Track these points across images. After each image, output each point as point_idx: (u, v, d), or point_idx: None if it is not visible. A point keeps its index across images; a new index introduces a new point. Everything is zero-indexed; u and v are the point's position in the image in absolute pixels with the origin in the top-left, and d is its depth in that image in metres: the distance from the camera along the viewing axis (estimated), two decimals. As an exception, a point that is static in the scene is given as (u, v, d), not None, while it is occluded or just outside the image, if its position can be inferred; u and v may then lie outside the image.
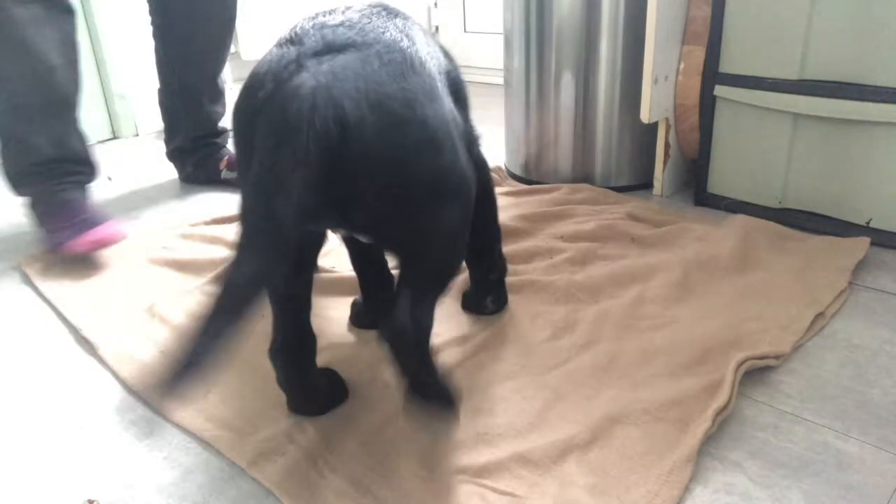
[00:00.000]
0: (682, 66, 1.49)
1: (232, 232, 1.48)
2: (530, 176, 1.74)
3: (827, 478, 0.77)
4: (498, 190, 1.66)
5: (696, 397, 0.87)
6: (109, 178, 1.66)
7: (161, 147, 1.85)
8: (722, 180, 1.49)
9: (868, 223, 1.31)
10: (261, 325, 1.08)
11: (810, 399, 0.89)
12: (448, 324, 1.07)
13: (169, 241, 1.42)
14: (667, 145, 1.56)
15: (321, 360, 0.89)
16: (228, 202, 1.67)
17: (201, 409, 0.90)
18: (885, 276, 1.19)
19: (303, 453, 0.80)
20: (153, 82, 1.72)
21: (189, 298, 1.17)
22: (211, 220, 1.53)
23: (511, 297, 1.13)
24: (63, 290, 1.24)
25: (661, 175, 1.59)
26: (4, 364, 1.05)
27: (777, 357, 0.96)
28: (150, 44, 1.67)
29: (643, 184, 1.65)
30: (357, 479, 0.77)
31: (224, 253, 1.38)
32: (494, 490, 0.75)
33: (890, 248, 1.28)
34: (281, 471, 0.78)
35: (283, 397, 0.88)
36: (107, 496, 0.78)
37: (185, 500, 0.77)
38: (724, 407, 0.85)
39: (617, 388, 0.90)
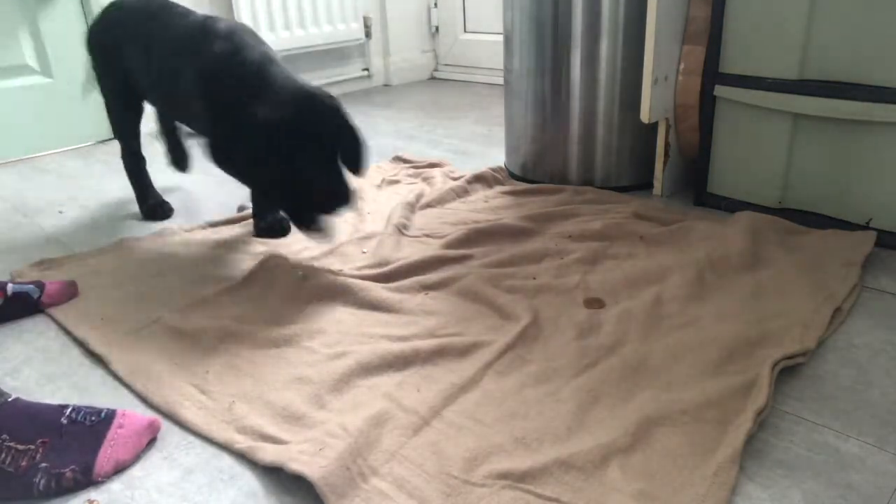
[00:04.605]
0: (682, 66, 1.49)
1: (230, 235, 1.48)
2: (530, 176, 1.74)
3: (827, 478, 0.77)
4: (499, 189, 1.67)
5: (731, 397, 0.87)
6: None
7: (158, 147, 1.84)
8: (722, 180, 1.50)
9: (868, 223, 1.31)
10: (276, 331, 1.08)
11: (810, 399, 0.89)
12: (469, 325, 1.07)
13: (169, 249, 1.41)
14: (667, 145, 1.56)
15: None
16: (224, 204, 1.66)
17: (229, 420, 0.88)
18: (885, 276, 1.19)
19: (344, 454, 0.78)
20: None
21: (197, 308, 1.15)
22: (206, 224, 1.52)
23: (530, 300, 1.13)
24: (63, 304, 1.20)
25: (661, 175, 1.59)
26: (11, 377, 1.05)
27: (804, 354, 0.96)
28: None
29: (643, 184, 1.65)
30: (400, 481, 0.77)
31: (227, 259, 1.37)
32: (540, 496, 0.74)
33: (890, 248, 1.28)
34: (323, 473, 0.76)
35: (315, 401, 0.89)
36: (107, 496, 0.78)
37: (185, 500, 0.77)
38: (764, 407, 0.85)
39: (651, 390, 0.90)
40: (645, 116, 1.48)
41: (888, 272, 1.20)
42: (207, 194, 1.75)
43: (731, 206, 1.47)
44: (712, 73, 1.43)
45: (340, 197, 1.17)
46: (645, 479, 0.76)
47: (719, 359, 0.95)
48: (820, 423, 0.85)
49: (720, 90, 1.43)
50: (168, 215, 1.60)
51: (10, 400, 0.83)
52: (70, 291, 1.21)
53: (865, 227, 1.31)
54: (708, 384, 0.90)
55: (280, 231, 1.43)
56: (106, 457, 0.81)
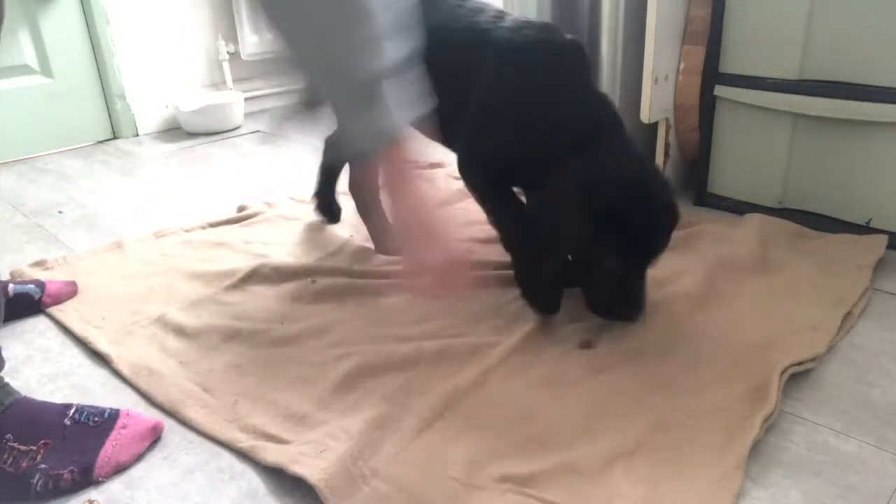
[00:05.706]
0: (682, 66, 1.49)
1: (230, 235, 1.47)
2: (530, 176, 1.74)
3: (827, 478, 0.77)
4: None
5: (738, 403, 0.86)
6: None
7: (158, 147, 1.83)
8: (722, 180, 1.49)
9: (868, 223, 1.31)
10: (280, 331, 1.07)
11: (810, 399, 0.89)
12: (479, 328, 1.06)
13: (169, 249, 1.40)
14: (667, 145, 1.56)
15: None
16: (225, 203, 1.66)
17: (232, 419, 0.88)
18: (886, 277, 1.19)
19: (345, 456, 0.78)
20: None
21: (200, 307, 1.14)
22: (207, 224, 1.51)
23: None
24: (64, 302, 1.19)
25: (661, 175, 1.58)
26: (11, 377, 1.04)
27: (814, 359, 0.95)
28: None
29: (643, 184, 1.64)
30: (401, 484, 0.76)
31: (228, 258, 1.37)
32: (541, 500, 0.73)
33: (890, 248, 1.28)
34: (324, 475, 0.75)
35: (317, 401, 0.89)
36: (107, 496, 0.78)
37: (185, 500, 0.77)
38: (771, 414, 0.84)
39: (658, 395, 0.89)
40: (645, 116, 1.48)
41: (889, 272, 1.20)
42: (207, 194, 1.75)
43: (731, 206, 1.47)
44: (712, 73, 1.43)
45: (635, 303, 1.00)
46: (649, 484, 0.76)
47: (727, 365, 0.95)
48: (820, 423, 0.85)
49: (720, 90, 1.43)
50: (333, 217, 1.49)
51: (17, 399, 0.83)
52: (70, 290, 1.21)
53: (865, 227, 1.31)
54: (715, 389, 0.89)
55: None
56: (106, 458, 0.81)
